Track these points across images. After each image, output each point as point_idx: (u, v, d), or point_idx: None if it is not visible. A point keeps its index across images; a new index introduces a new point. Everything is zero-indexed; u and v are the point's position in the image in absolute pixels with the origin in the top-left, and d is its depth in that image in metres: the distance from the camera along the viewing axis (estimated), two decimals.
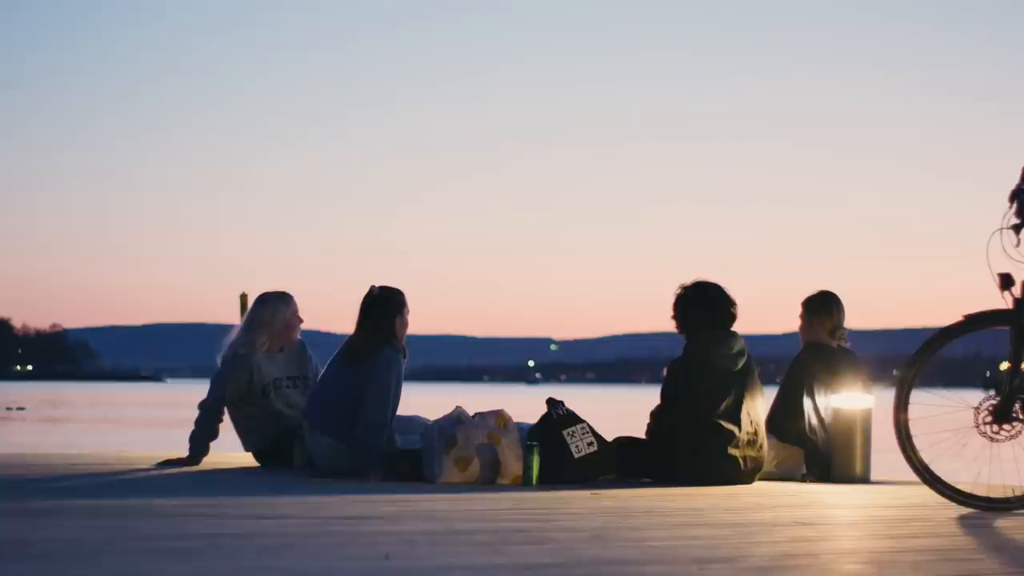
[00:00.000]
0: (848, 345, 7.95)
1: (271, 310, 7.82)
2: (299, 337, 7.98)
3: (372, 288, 7.30)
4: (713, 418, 7.12)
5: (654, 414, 7.35)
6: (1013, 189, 5.76)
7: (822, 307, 7.93)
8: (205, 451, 7.70)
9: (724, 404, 7.16)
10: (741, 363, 7.26)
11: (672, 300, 7.46)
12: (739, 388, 7.20)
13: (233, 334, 7.87)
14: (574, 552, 4.05)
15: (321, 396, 7.27)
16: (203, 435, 7.67)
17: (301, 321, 7.94)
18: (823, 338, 7.87)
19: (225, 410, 7.75)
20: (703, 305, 7.37)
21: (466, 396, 38.75)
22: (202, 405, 7.72)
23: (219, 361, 7.80)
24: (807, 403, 7.66)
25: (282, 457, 7.70)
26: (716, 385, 7.18)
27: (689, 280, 7.48)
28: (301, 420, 7.45)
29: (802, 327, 8.00)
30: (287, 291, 7.97)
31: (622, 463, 7.21)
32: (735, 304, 7.42)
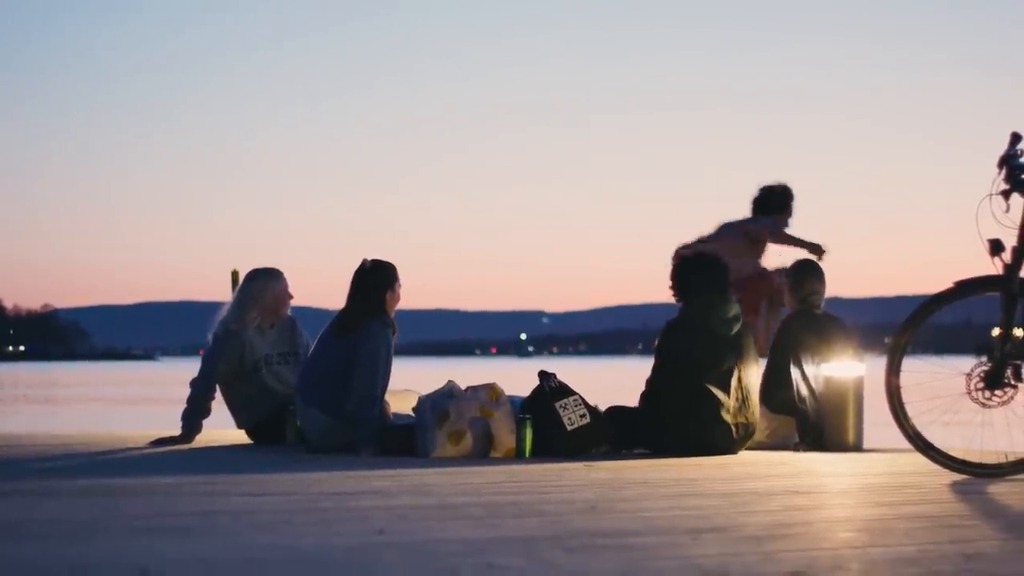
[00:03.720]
0: (819, 313, 7.94)
1: (261, 286, 7.81)
2: (289, 313, 7.97)
3: (364, 261, 7.29)
4: (704, 382, 7.13)
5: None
6: (1002, 155, 5.75)
7: (794, 276, 7.99)
8: (198, 429, 7.69)
9: (717, 369, 7.16)
10: (736, 328, 7.28)
11: (668, 269, 7.56)
12: (734, 353, 7.21)
13: (224, 311, 7.86)
14: (568, 524, 4.05)
15: (312, 371, 7.26)
16: (195, 413, 7.67)
17: (291, 297, 7.93)
18: (799, 306, 7.90)
19: (217, 387, 7.75)
20: (701, 270, 7.44)
21: (458, 370, 38.75)
22: (194, 383, 7.71)
23: (211, 338, 7.80)
24: (795, 371, 7.66)
25: (274, 434, 7.70)
26: (711, 349, 7.19)
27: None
28: (292, 396, 7.44)
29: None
30: (277, 267, 7.96)
31: (614, 432, 7.21)
32: (729, 271, 7.50)
